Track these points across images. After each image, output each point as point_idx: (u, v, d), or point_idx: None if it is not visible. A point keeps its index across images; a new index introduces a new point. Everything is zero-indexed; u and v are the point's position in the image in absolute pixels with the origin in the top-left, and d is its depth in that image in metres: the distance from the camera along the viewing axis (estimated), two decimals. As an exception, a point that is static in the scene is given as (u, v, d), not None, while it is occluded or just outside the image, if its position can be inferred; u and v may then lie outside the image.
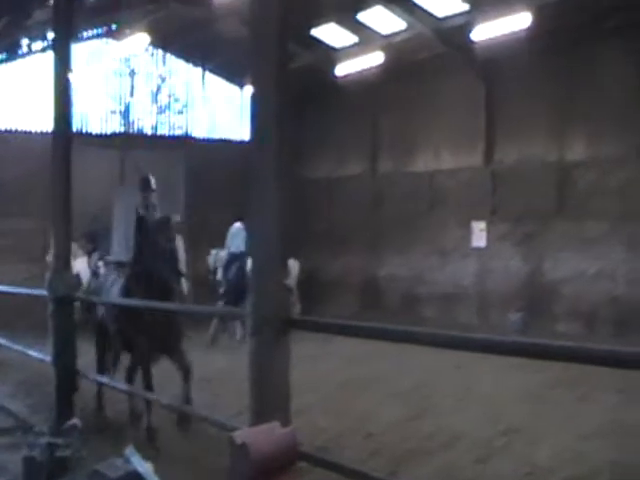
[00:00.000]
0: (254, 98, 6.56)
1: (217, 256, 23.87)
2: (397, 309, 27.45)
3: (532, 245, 24.55)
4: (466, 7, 24.29)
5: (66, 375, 10.90)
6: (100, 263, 23.66)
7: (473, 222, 26.12)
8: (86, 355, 12.21)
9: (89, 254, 22.95)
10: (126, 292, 11.57)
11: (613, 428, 10.94)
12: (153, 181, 12.46)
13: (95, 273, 23.32)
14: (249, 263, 21.84)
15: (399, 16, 25.52)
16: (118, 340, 11.95)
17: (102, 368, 12.54)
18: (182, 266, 11.37)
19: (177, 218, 11.83)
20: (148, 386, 10.98)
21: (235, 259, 22.40)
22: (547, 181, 24.32)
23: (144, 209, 12.29)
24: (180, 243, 11.49)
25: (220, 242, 23.02)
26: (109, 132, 30.15)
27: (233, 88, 32.13)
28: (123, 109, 30.64)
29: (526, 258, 24.72)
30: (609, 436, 10.51)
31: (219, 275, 23.46)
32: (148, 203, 12.37)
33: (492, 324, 23.87)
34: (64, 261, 11.44)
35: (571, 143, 24.18)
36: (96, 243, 23.54)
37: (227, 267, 22.90)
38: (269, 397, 6.33)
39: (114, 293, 11.99)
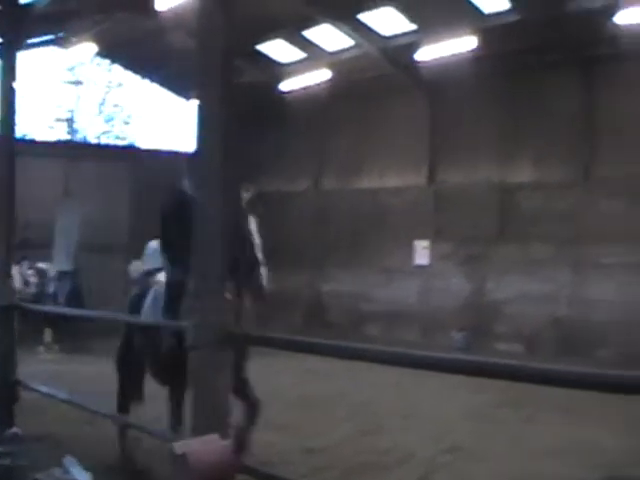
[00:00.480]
0: (199, 111, 6.57)
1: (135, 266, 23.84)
2: (342, 326, 27.44)
3: (475, 265, 24.73)
4: (413, 27, 24.47)
5: (6, 385, 10.77)
6: (30, 272, 23.60)
7: (416, 240, 26.26)
8: (25, 365, 12.05)
9: (18, 262, 22.78)
10: (171, 311, 8.84)
11: (558, 447, 11.00)
12: None
13: (27, 282, 23.27)
14: (158, 278, 22.10)
15: (345, 33, 25.64)
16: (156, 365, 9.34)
17: (126, 401, 10.12)
18: (259, 252, 9.07)
19: (247, 194, 9.21)
20: (179, 421, 8.76)
21: (150, 274, 22.39)
22: (491, 203, 24.57)
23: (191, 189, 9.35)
24: (253, 225, 9.16)
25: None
26: (54, 140, 29.95)
27: (180, 100, 32.10)
28: (69, 118, 30.49)
29: (469, 278, 24.90)
30: (553, 455, 10.56)
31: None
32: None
33: (435, 342, 23.97)
34: (6, 270, 11.27)
35: (516, 166, 24.47)
36: (26, 251, 23.40)
37: (141, 280, 22.91)
38: (208, 411, 6.30)
39: (150, 312, 9.62)
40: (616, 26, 20.14)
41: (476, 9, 22.69)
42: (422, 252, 26.24)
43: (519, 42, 22.78)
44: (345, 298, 28.12)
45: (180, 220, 8.94)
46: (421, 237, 26.16)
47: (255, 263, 8.92)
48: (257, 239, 9.02)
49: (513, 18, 22.29)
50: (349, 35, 25.70)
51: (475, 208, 24.75)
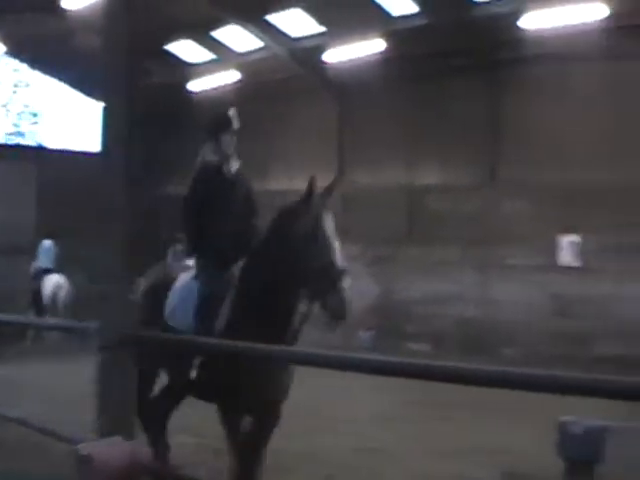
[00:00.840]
0: (104, 111, 6.56)
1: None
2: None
3: (383, 266, 24.87)
4: (322, 29, 24.57)
5: None
6: None
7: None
8: None
9: None
10: (205, 323, 7.15)
11: (467, 447, 11.11)
12: (236, 118, 8.20)
13: None
14: (51, 278, 22.31)
15: (254, 35, 25.63)
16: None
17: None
18: (339, 259, 7.00)
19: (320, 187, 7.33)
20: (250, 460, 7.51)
21: (41, 274, 22.64)
22: (399, 204, 24.76)
23: (220, 157, 8.25)
24: (330, 224, 7.24)
25: (79, 258, 22.73)
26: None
27: (89, 100, 31.77)
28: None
29: (377, 279, 25.00)
30: (464, 455, 10.68)
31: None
32: (224, 150, 8.20)
33: (341, 342, 23.98)
34: None
35: (423, 168, 24.68)
36: None
37: (34, 280, 22.94)
38: (112, 413, 6.26)
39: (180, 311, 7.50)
40: (520, 30, 20.48)
41: (384, 12, 22.88)
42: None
43: (427, 45, 23.00)
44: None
45: (208, 198, 8.04)
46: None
47: (335, 273, 6.89)
48: (335, 242, 7.14)
49: (421, 22, 22.52)
50: (258, 36, 25.69)
51: (383, 209, 24.90)
